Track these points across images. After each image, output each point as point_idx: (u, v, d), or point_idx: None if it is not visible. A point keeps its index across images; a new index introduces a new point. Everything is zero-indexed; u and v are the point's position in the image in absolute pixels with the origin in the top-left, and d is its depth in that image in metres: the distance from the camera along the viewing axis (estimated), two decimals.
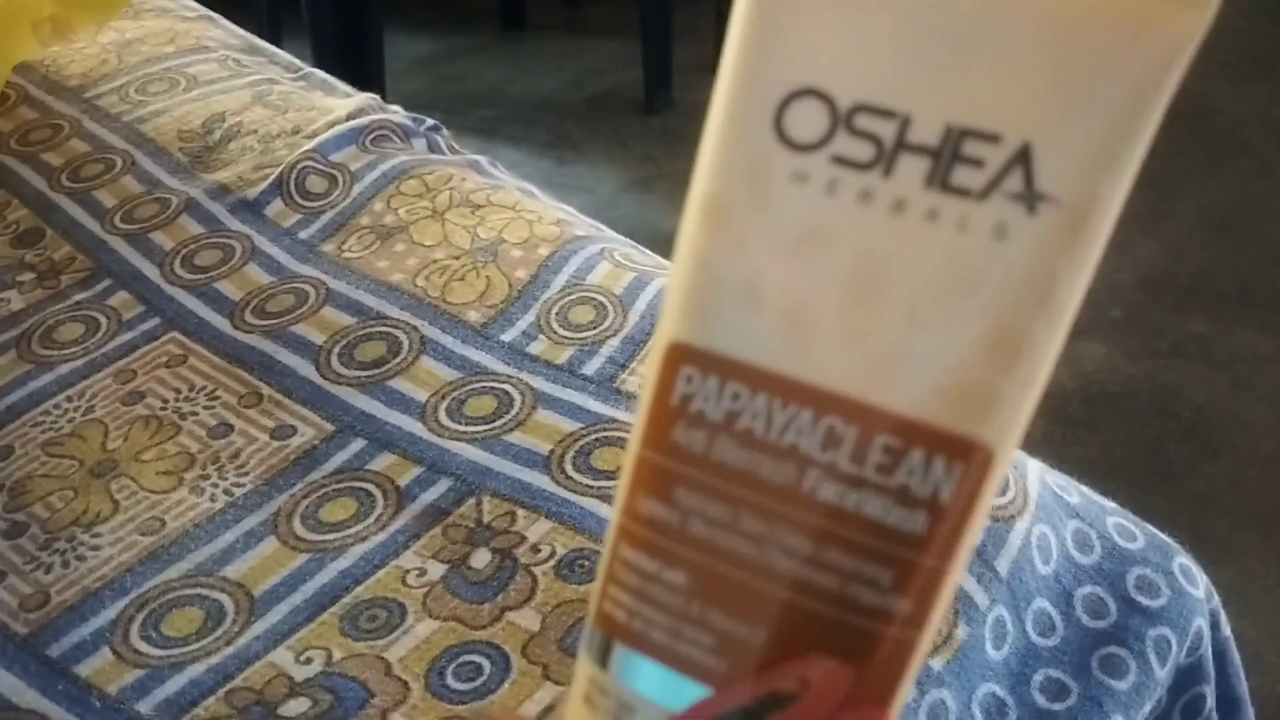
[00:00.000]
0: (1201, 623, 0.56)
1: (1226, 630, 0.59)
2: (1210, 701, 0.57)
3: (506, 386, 0.61)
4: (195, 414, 0.60)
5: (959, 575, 0.21)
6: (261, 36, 2.15)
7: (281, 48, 2.20)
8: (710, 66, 2.28)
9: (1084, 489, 0.60)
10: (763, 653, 0.21)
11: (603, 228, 0.77)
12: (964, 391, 0.21)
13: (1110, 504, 0.60)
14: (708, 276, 0.22)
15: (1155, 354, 1.64)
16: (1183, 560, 0.57)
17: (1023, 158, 0.20)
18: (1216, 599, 0.59)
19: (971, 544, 0.21)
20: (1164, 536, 0.58)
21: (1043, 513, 0.56)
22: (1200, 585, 0.57)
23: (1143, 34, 0.20)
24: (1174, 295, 1.74)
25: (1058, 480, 0.59)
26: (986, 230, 0.21)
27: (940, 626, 0.49)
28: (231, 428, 0.59)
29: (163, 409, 0.60)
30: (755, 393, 0.22)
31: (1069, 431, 1.51)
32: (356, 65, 1.84)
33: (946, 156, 0.21)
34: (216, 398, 0.61)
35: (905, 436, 0.21)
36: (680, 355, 0.22)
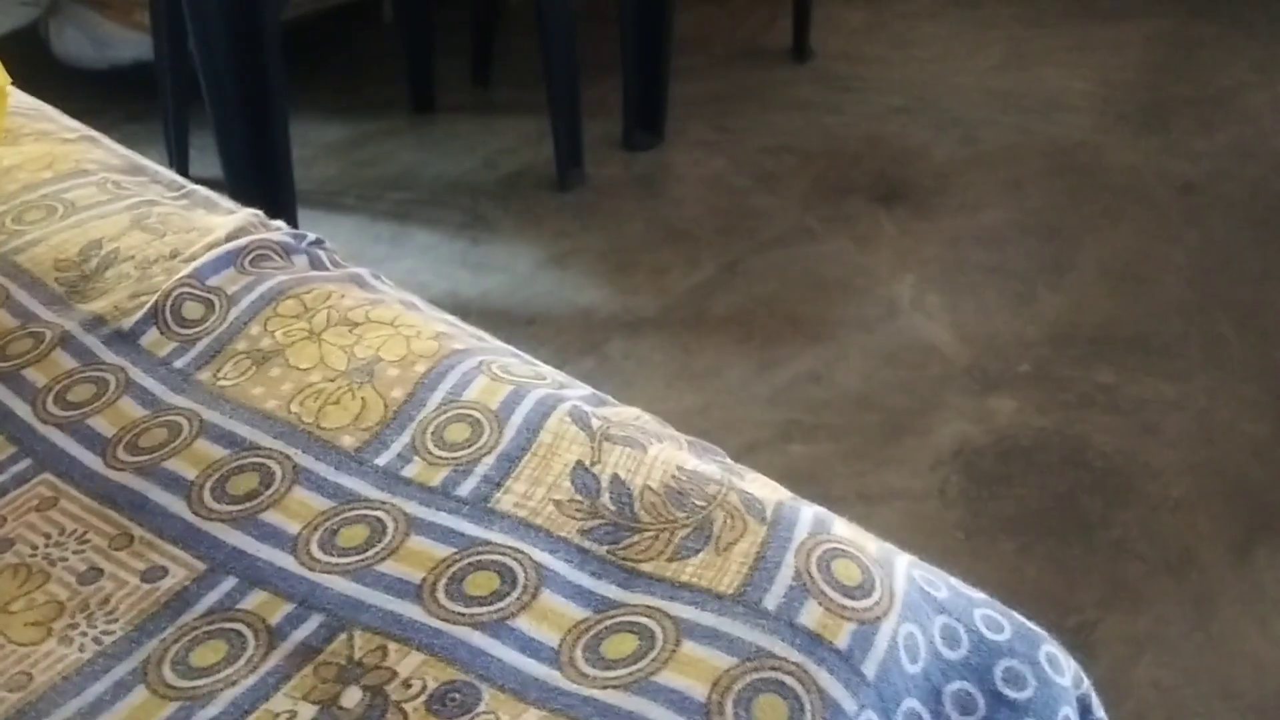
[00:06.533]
0: (1069, 711, 0.57)
1: (1099, 713, 0.60)
2: None
3: (379, 513, 0.61)
4: (65, 559, 0.60)
5: None
6: (167, 143, 2.14)
7: (189, 151, 2.19)
8: (620, 142, 2.31)
9: (953, 581, 0.61)
10: None
11: (485, 337, 0.78)
12: None
13: (978, 595, 0.61)
14: None
15: (1064, 406, 1.67)
16: (1049, 648, 0.59)
17: None
18: (1087, 684, 0.60)
19: None
20: (1030, 625, 0.60)
21: (909, 610, 0.57)
22: (1067, 673, 0.58)
23: None
24: (1079, 347, 1.78)
25: (926, 575, 0.60)
26: None
27: None
28: (101, 572, 0.59)
29: (32, 555, 0.60)
30: None
31: (984, 488, 1.53)
32: (264, 162, 1.85)
33: None
34: (87, 541, 0.61)
35: None
36: None
